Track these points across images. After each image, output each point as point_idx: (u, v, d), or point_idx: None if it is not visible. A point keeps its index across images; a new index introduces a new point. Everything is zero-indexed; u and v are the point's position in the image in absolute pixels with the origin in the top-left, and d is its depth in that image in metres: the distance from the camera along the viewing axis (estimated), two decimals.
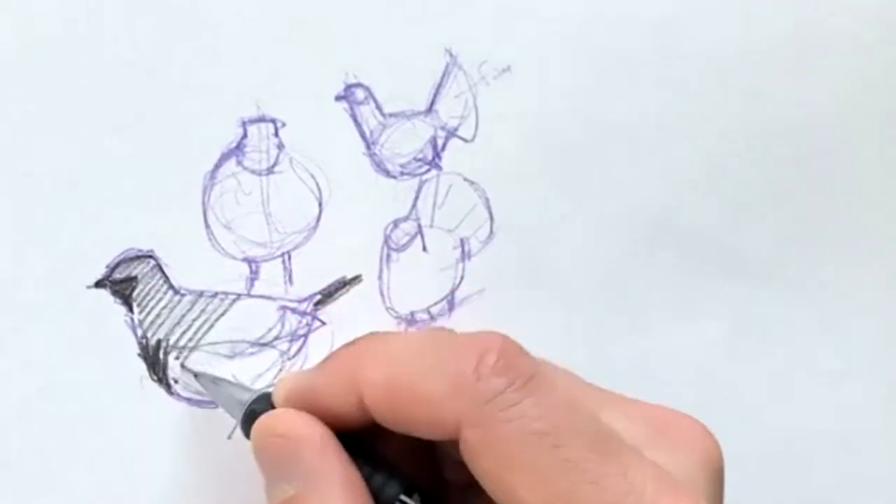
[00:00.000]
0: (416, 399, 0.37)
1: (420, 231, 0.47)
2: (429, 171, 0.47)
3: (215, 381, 0.43)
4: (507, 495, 0.36)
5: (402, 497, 0.39)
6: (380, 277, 0.46)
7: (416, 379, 0.38)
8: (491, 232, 0.47)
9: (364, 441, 0.40)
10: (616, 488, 0.35)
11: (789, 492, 0.44)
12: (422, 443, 0.40)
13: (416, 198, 0.47)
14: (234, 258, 0.45)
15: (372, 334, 0.41)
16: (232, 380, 0.44)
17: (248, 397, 0.42)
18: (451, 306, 0.47)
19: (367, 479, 0.39)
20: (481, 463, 0.36)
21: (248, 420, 0.41)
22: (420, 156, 0.46)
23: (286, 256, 0.45)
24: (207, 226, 0.44)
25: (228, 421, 0.45)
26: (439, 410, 0.37)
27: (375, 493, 0.39)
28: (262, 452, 0.40)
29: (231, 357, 0.45)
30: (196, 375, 0.44)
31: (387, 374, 0.38)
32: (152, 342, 0.44)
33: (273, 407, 0.41)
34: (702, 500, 0.37)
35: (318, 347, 0.46)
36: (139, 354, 0.44)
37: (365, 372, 0.39)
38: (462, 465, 0.38)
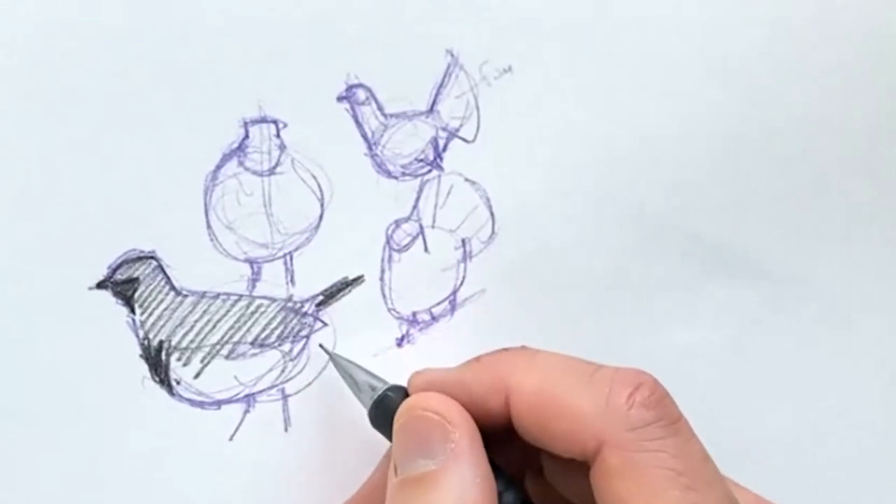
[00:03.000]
0: (564, 412, 0.39)
1: (422, 231, 0.47)
2: (430, 171, 0.47)
3: (349, 364, 0.44)
4: None
5: None
6: (381, 278, 0.46)
7: (567, 392, 0.39)
8: (492, 232, 0.47)
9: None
10: None
11: (791, 492, 0.44)
12: (518, 468, 0.42)
13: (418, 198, 0.47)
14: (235, 259, 0.45)
15: (523, 347, 0.43)
16: (362, 366, 0.44)
17: (380, 385, 0.43)
18: (453, 307, 0.47)
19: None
20: (614, 486, 0.37)
21: (380, 405, 0.42)
22: (421, 156, 0.46)
23: (288, 257, 0.45)
24: (209, 226, 0.44)
25: (229, 422, 0.45)
26: (585, 427, 0.38)
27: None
28: (409, 425, 0.41)
29: (233, 358, 0.45)
30: (331, 356, 0.45)
31: (538, 383, 0.40)
32: (154, 343, 0.44)
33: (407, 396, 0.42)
34: None
35: (320, 349, 0.46)
36: (141, 356, 0.44)
37: (516, 377, 0.40)
38: (556, 500, 0.41)
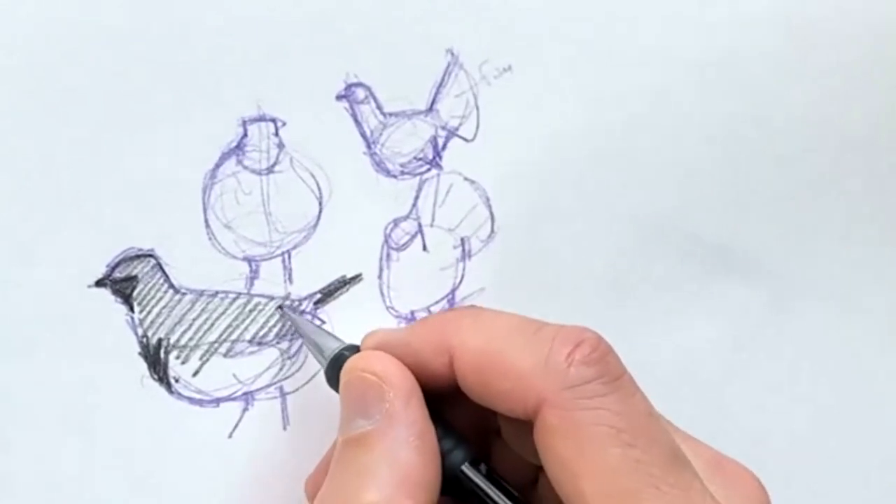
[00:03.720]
0: (505, 371, 0.38)
1: (420, 230, 0.47)
2: (429, 170, 0.47)
3: (306, 325, 0.44)
4: (570, 484, 0.37)
5: (466, 466, 0.40)
6: (380, 276, 0.46)
7: (509, 351, 0.39)
8: (491, 231, 0.47)
9: (438, 405, 0.40)
10: (677, 501, 0.36)
11: (791, 491, 0.44)
12: (482, 426, 0.41)
13: (417, 197, 0.47)
14: (234, 257, 0.45)
15: (470, 306, 0.43)
16: (324, 329, 0.44)
17: (336, 345, 0.42)
18: (452, 305, 0.47)
19: (438, 440, 0.39)
20: (553, 446, 0.37)
21: (335, 364, 0.42)
22: (420, 155, 0.47)
23: (286, 255, 0.45)
24: (208, 225, 0.44)
25: (228, 420, 0.45)
26: (525, 386, 0.38)
27: (443, 455, 0.39)
28: (349, 386, 0.41)
29: (231, 356, 0.45)
30: (291, 319, 0.45)
31: (481, 342, 0.39)
32: (153, 341, 0.44)
33: None
34: None
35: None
36: (140, 353, 0.44)
37: (460, 336, 0.40)
38: (516, 457, 0.40)
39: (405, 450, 0.38)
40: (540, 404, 0.37)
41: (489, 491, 0.40)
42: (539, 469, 0.42)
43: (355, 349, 0.42)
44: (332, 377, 0.42)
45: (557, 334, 0.38)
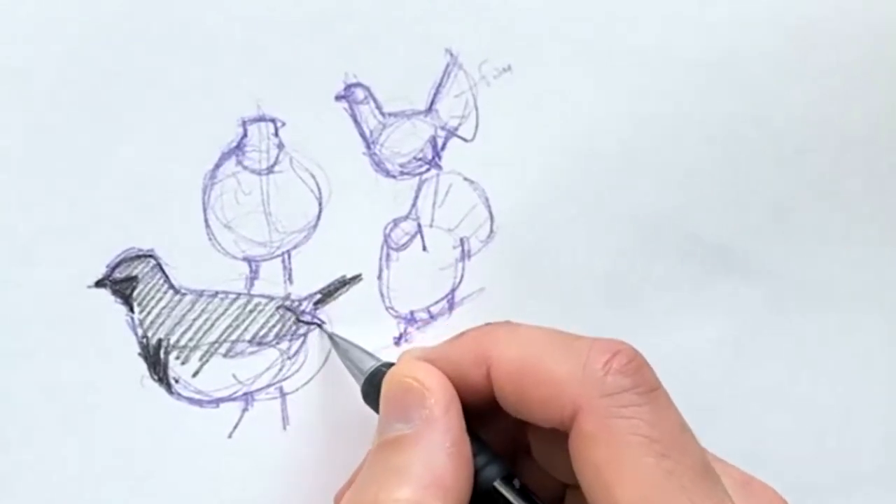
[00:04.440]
0: (542, 379, 0.39)
1: (420, 230, 0.47)
2: (429, 170, 0.47)
3: (344, 342, 0.45)
4: (603, 491, 0.37)
5: (499, 482, 0.40)
6: (379, 277, 0.46)
7: (547, 361, 0.39)
8: (491, 231, 0.47)
9: (474, 423, 0.41)
10: None
11: (791, 491, 0.44)
12: (510, 446, 0.42)
13: (416, 197, 0.47)
14: (234, 257, 0.45)
15: (507, 321, 0.43)
16: (361, 347, 0.45)
17: (373, 362, 0.43)
18: (451, 306, 0.47)
19: (473, 455, 0.40)
20: (588, 453, 0.37)
21: (372, 379, 0.42)
22: (420, 155, 0.47)
23: (286, 256, 0.45)
24: (208, 225, 0.44)
25: (228, 420, 0.45)
26: (562, 393, 0.38)
27: (476, 471, 0.40)
28: (391, 391, 0.41)
29: (231, 356, 0.45)
30: (330, 336, 0.45)
31: (518, 352, 0.40)
32: (153, 341, 0.44)
33: None
34: None
35: (318, 347, 0.46)
36: (140, 354, 0.44)
37: (498, 348, 0.41)
38: (545, 479, 0.41)
39: (440, 454, 0.39)
40: (576, 412, 0.38)
41: None
42: (566, 487, 0.43)
43: (391, 367, 0.43)
44: (369, 393, 0.43)
45: (594, 345, 0.39)
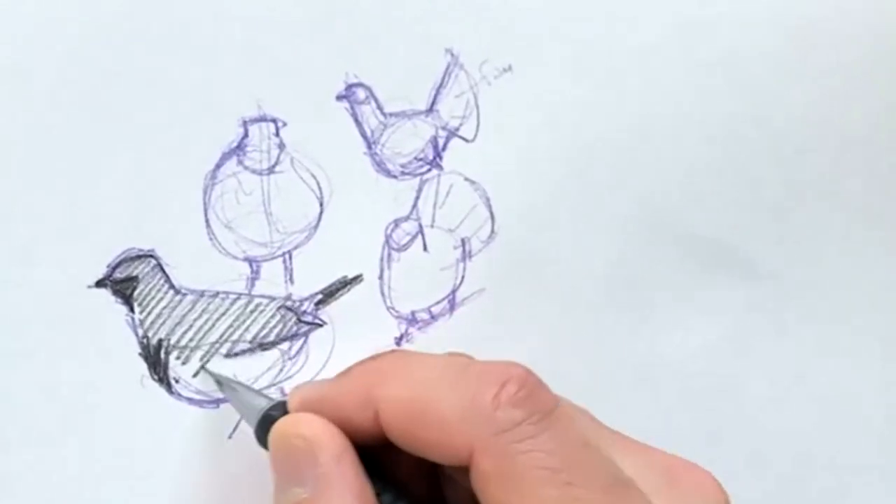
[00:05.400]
0: (431, 421, 0.37)
1: (421, 231, 0.47)
2: (430, 170, 0.47)
3: (234, 385, 0.44)
4: None
5: None
6: (381, 277, 0.46)
7: (434, 401, 0.38)
8: (492, 232, 0.47)
9: (374, 458, 0.40)
10: None
11: (790, 491, 0.44)
12: (429, 465, 0.40)
13: (417, 197, 0.47)
14: (234, 258, 0.45)
15: (393, 351, 0.42)
16: (249, 386, 0.44)
17: (264, 404, 0.42)
18: (452, 306, 0.47)
19: (378, 496, 0.39)
20: (492, 492, 0.36)
21: (264, 425, 0.41)
22: (421, 155, 0.47)
23: (287, 256, 0.45)
24: (208, 225, 0.44)
25: (228, 421, 0.45)
26: (453, 435, 0.37)
27: None
28: (278, 453, 0.40)
29: (232, 356, 0.45)
30: (217, 381, 0.44)
31: (404, 393, 0.38)
32: (153, 342, 0.44)
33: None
34: None
35: (319, 347, 0.46)
36: (140, 354, 0.44)
37: (383, 388, 0.39)
38: (468, 492, 0.38)
39: None
40: (471, 452, 0.36)
41: None
42: None
43: (282, 406, 0.41)
44: (262, 437, 0.41)
45: (482, 376, 0.37)
